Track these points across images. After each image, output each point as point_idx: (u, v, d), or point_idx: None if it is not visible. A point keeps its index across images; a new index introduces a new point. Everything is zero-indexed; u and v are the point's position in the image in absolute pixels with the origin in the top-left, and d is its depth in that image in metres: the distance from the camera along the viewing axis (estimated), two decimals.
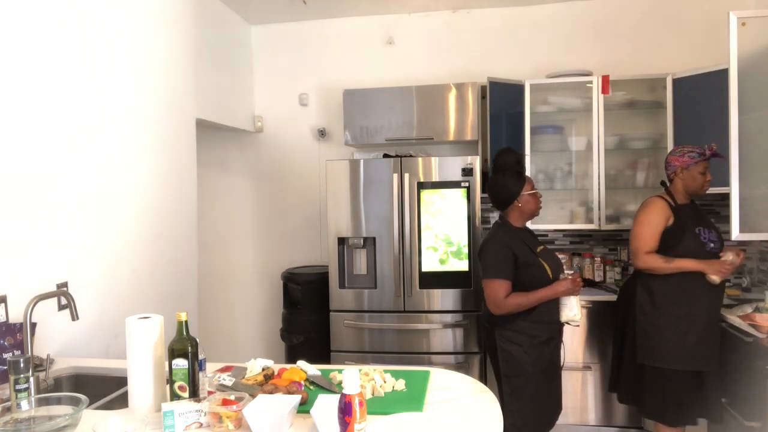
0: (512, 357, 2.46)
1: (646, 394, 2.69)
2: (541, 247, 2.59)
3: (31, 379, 1.53)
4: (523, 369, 2.44)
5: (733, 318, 2.64)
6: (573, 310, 2.44)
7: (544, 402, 2.51)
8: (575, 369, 3.36)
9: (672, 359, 2.59)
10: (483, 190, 3.52)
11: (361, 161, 3.47)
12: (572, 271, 2.53)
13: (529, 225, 3.47)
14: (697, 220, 2.71)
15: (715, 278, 2.55)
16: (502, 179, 2.53)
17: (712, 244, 2.65)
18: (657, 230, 2.68)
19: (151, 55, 2.82)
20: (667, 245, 2.66)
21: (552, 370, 2.53)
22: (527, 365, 2.44)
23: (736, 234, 2.87)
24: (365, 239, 3.49)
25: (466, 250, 3.37)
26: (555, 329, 2.51)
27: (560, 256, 3.75)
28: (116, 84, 2.54)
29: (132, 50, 2.66)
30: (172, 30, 3.02)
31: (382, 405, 1.55)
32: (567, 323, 2.51)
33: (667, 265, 2.60)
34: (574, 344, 3.35)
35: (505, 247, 2.46)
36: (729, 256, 2.58)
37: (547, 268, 2.47)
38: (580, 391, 3.36)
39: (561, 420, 3.33)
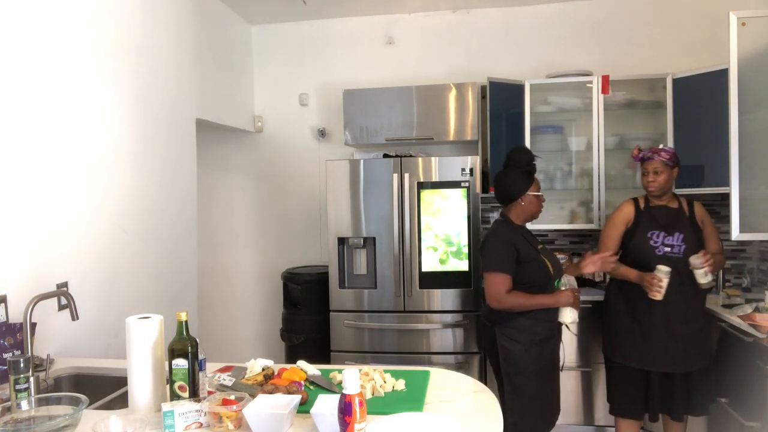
0: (513, 355, 2.46)
1: (607, 384, 2.97)
2: (540, 246, 2.61)
3: (31, 379, 1.53)
4: (523, 367, 2.44)
5: (733, 318, 2.64)
6: (569, 317, 2.49)
7: (545, 401, 2.51)
8: (575, 369, 3.36)
9: (619, 353, 2.79)
10: (483, 190, 3.53)
11: (361, 161, 3.47)
12: (570, 285, 2.55)
13: (530, 225, 3.48)
14: (662, 224, 2.72)
15: (655, 296, 2.57)
16: (512, 175, 2.55)
17: (667, 249, 2.67)
18: (615, 232, 2.82)
19: (151, 55, 2.81)
20: (624, 246, 2.80)
21: (552, 369, 2.53)
22: (528, 363, 2.44)
23: (736, 234, 2.87)
24: (365, 239, 3.49)
25: (466, 250, 3.37)
26: (555, 328, 2.52)
27: (560, 256, 3.75)
28: (116, 83, 2.54)
29: (132, 50, 2.66)
30: (172, 30, 3.02)
31: (382, 405, 1.55)
32: (565, 326, 2.54)
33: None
34: (573, 345, 3.35)
35: (508, 242, 2.47)
36: (661, 272, 2.55)
37: (548, 264, 2.49)
38: (580, 391, 3.36)
39: (561, 420, 3.33)
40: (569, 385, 3.36)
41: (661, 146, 2.73)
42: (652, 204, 2.79)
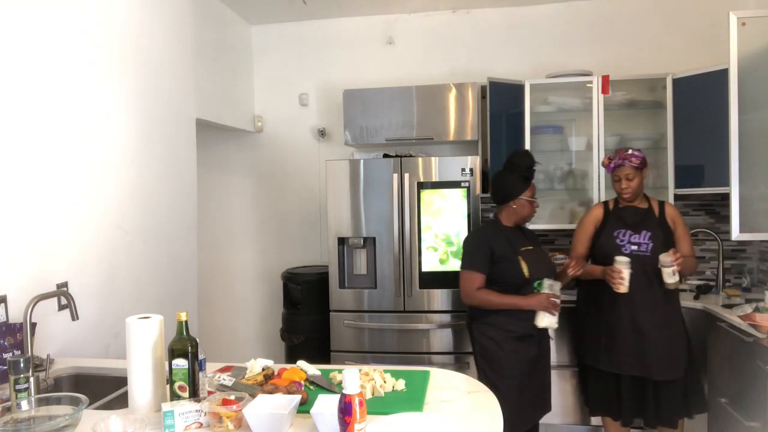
0: (487, 351, 2.53)
1: (582, 386, 3.03)
2: (530, 248, 2.61)
3: (31, 379, 1.53)
4: (497, 363, 2.47)
5: (733, 318, 2.64)
6: (543, 321, 2.49)
7: (521, 398, 2.51)
8: (575, 369, 3.35)
9: (589, 355, 2.82)
10: (483, 190, 3.52)
11: (361, 161, 3.47)
12: (554, 286, 2.51)
13: (530, 225, 3.49)
14: (629, 222, 2.74)
15: (618, 289, 2.57)
16: (509, 177, 2.62)
17: (634, 247, 2.67)
18: (584, 235, 2.85)
19: (151, 55, 2.82)
20: (592, 246, 2.83)
21: (530, 366, 2.54)
22: (502, 360, 2.47)
23: (736, 234, 2.87)
24: (365, 239, 3.49)
25: None
26: (533, 326, 2.52)
27: (560, 256, 3.75)
28: (116, 84, 2.54)
29: (132, 50, 2.66)
30: (172, 30, 3.02)
31: (382, 405, 1.55)
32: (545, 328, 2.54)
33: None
34: (574, 344, 3.34)
35: (484, 242, 2.57)
36: (620, 263, 2.56)
37: (524, 266, 2.50)
38: (577, 391, 3.35)
39: (561, 420, 3.35)
40: (569, 385, 3.35)
41: (630, 151, 2.71)
42: (621, 205, 2.82)
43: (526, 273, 2.50)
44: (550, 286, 2.49)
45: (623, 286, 2.56)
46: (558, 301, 2.49)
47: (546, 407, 2.67)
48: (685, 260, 2.65)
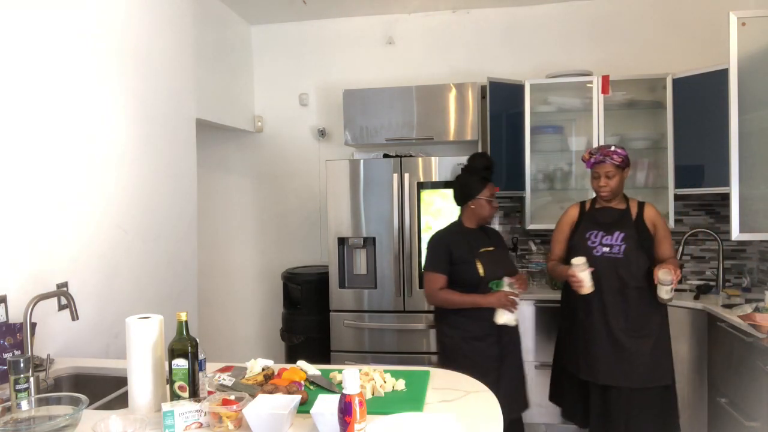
0: (445, 349, 2.59)
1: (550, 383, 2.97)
2: (490, 249, 2.61)
3: (31, 379, 1.53)
4: (455, 363, 2.44)
5: (733, 318, 2.64)
6: (502, 318, 2.48)
7: None
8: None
9: (566, 358, 2.76)
10: None
11: (361, 161, 3.47)
12: (513, 284, 2.49)
13: (532, 226, 3.48)
14: (602, 223, 2.65)
15: (579, 291, 2.51)
16: (467, 178, 2.66)
17: (606, 249, 2.58)
18: (560, 236, 2.79)
19: (151, 55, 2.81)
20: (567, 248, 2.76)
21: (489, 366, 2.49)
22: (459, 359, 2.46)
23: (736, 234, 2.87)
24: (365, 239, 3.49)
25: None
26: (492, 326, 2.51)
27: None
28: (116, 84, 2.54)
29: (132, 50, 2.66)
30: (172, 30, 3.02)
31: (382, 405, 1.55)
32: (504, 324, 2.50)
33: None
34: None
35: (443, 244, 2.60)
36: (575, 265, 2.50)
37: (479, 267, 2.52)
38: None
39: (556, 419, 3.34)
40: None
41: (612, 147, 2.60)
42: (597, 206, 2.72)
43: (482, 273, 2.51)
44: (510, 285, 2.48)
45: (583, 288, 2.49)
46: (516, 298, 2.48)
47: (521, 405, 2.61)
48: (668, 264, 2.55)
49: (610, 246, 2.58)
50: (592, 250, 2.60)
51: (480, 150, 3.69)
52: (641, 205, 2.68)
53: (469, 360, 2.47)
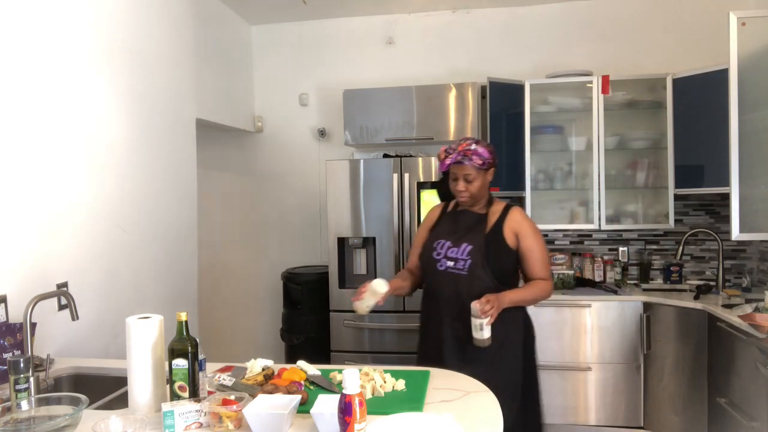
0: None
1: None
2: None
3: (31, 379, 1.53)
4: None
5: (733, 318, 2.64)
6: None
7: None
8: (575, 369, 3.36)
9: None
10: None
11: (361, 161, 3.47)
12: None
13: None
14: (452, 231, 2.18)
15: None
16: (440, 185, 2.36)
17: (450, 263, 2.11)
18: (418, 239, 2.34)
19: (151, 54, 2.81)
20: None
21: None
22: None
23: (736, 234, 2.87)
24: (365, 239, 3.49)
25: None
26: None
27: (560, 256, 3.76)
28: (116, 84, 2.54)
29: (132, 50, 2.66)
30: (172, 30, 3.02)
31: (382, 405, 1.55)
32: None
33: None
34: (575, 345, 3.35)
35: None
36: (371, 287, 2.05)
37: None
38: (580, 391, 3.36)
39: (561, 420, 3.35)
40: (569, 385, 3.35)
41: (473, 146, 2.09)
42: (459, 208, 2.25)
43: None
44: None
45: (359, 309, 2.08)
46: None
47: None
48: (530, 287, 2.14)
49: (455, 260, 2.12)
50: (437, 263, 2.15)
51: None
52: (506, 210, 2.19)
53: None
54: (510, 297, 2.04)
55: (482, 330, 1.91)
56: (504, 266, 2.13)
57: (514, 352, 2.13)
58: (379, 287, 2.03)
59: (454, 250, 2.13)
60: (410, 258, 2.37)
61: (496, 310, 1.94)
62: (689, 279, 3.73)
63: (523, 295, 2.12)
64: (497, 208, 2.21)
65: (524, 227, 2.16)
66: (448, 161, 2.13)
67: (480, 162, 2.10)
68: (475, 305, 1.90)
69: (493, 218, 2.17)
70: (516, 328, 2.15)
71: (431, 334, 2.20)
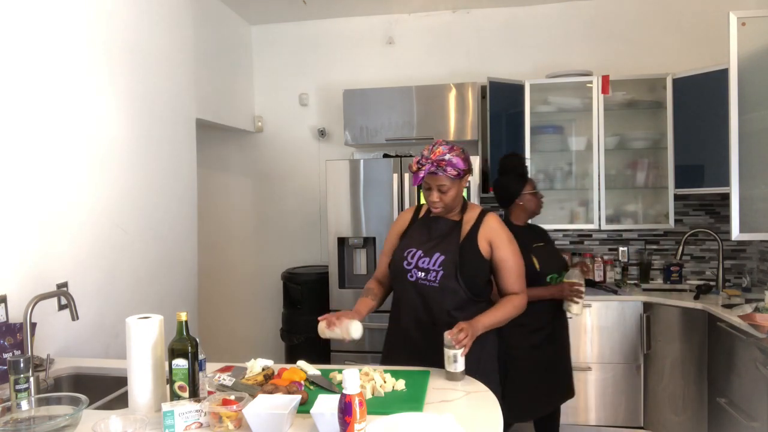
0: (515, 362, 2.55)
1: None
2: (541, 244, 2.72)
3: (31, 379, 1.53)
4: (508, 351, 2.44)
5: (733, 318, 2.64)
6: (575, 309, 2.64)
7: (536, 384, 2.64)
8: (575, 369, 3.35)
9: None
10: (483, 190, 3.52)
11: (361, 161, 3.47)
12: (578, 275, 2.64)
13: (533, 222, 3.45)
14: (424, 240, 2.06)
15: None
16: (505, 181, 2.72)
17: (421, 274, 1.99)
18: (388, 245, 2.19)
19: (151, 54, 2.81)
20: None
21: (539, 351, 2.64)
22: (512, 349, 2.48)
23: (736, 234, 2.87)
24: (365, 239, 3.49)
25: None
26: (547, 319, 2.65)
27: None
28: (116, 84, 2.54)
29: (132, 50, 2.66)
30: (172, 30, 3.02)
31: (382, 405, 1.55)
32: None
33: None
34: (574, 344, 3.34)
35: None
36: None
37: (535, 262, 2.60)
38: (581, 391, 3.35)
39: (561, 420, 3.33)
40: None
41: (448, 156, 1.94)
42: (432, 213, 2.09)
43: (538, 267, 2.59)
44: (578, 275, 2.62)
45: (323, 333, 1.97)
46: (581, 288, 2.60)
47: (566, 393, 2.76)
48: (503, 306, 1.99)
49: (426, 271, 1.99)
50: (407, 273, 2.02)
51: (479, 150, 3.70)
52: (481, 217, 2.06)
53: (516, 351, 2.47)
54: (483, 322, 1.90)
55: (456, 362, 1.76)
56: (478, 277, 2.00)
57: (491, 367, 2.04)
58: (355, 333, 1.92)
59: (425, 260, 2.00)
60: (379, 265, 2.22)
61: (470, 339, 1.79)
62: (689, 279, 3.73)
63: (496, 317, 1.96)
64: (472, 214, 2.08)
65: (498, 236, 2.02)
66: (421, 174, 1.96)
67: (455, 173, 1.95)
68: (448, 336, 1.76)
69: (467, 226, 2.05)
70: (489, 351, 2.05)
71: (398, 344, 2.13)
